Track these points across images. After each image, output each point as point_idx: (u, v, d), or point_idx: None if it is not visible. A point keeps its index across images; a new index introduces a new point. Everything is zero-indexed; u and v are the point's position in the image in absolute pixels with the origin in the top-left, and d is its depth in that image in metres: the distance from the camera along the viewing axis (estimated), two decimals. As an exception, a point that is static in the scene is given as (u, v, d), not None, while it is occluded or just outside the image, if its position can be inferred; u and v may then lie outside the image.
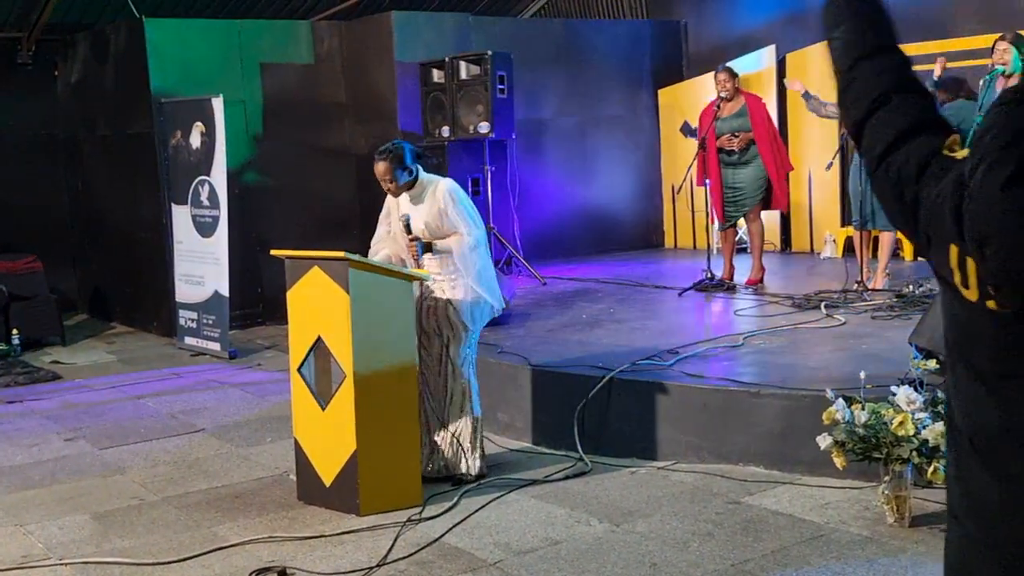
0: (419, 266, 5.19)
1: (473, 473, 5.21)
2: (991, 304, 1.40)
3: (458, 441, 5.22)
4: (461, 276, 5.15)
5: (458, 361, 5.21)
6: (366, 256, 5.27)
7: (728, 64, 8.96)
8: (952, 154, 1.50)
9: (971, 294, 1.42)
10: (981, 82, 7.32)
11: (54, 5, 9.95)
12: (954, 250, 1.41)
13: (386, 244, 5.36)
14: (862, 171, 7.61)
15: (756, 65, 10.37)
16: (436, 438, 5.26)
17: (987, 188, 1.33)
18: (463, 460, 5.22)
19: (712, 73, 8.92)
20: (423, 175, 5.23)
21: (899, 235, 8.44)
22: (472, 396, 5.26)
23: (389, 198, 5.35)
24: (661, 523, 4.60)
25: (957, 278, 1.43)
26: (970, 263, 1.39)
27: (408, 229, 5.13)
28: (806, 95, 8.28)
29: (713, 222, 8.98)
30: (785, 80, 9.23)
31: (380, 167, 5.15)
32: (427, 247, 5.14)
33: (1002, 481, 1.45)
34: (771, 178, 8.28)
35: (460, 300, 5.17)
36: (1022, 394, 1.42)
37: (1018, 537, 1.44)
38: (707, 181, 8.47)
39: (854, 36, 1.66)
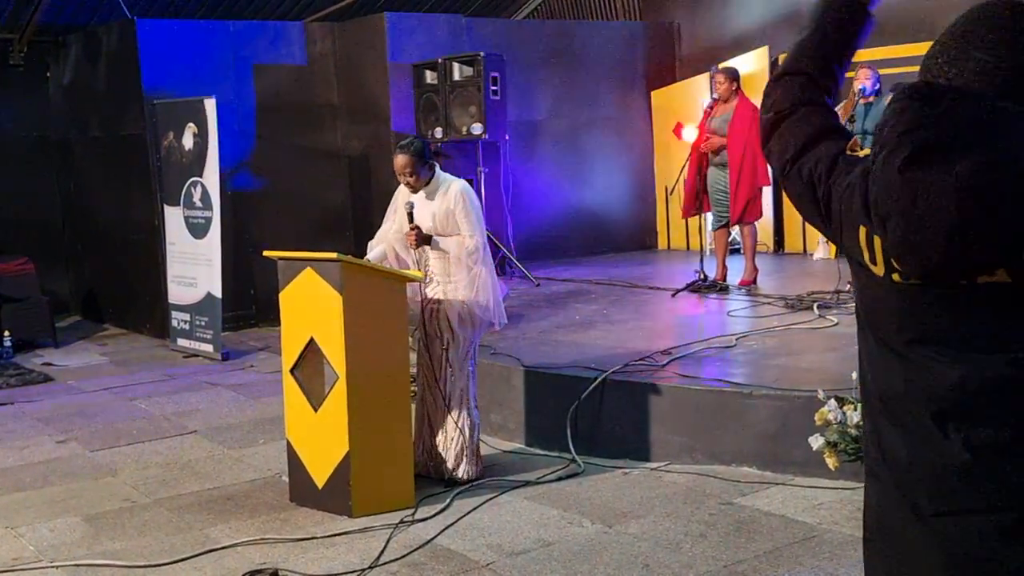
0: (416, 258, 5.19)
1: (468, 477, 5.20)
2: (896, 277, 1.58)
3: (454, 444, 5.20)
4: (466, 283, 5.14)
5: (457, 364, 5.20)
6: (364, 252, 5.27)
7: (728, 65, 8.94)
8: (855, 153, 1.71)
9: (878, 269, 1.61)
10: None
11: (46, 6, 9.92)
12: (863, 230, 1.61)
13: (384, 241, 5.34)
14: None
15: (748, 67, 10.37)
16: (433, 440, 5.25)
17: (887, 172, 1.52)
18: (459, 464, 5.20)
19: (706, 74, 8.92)
20: (439, 172, 5.23)
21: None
22: (470, 400, 5.25)
23: (397, 193, 5.32)
24: (654, 524, 4.60)
25: (866, 256, 1.62)
26: (877, 241, 1.58)
27: (411, 217, 5.12)
28: None
29: (686, 218, 8.94)
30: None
31: (401, 160, 5.12)
32: (427, 239, 5.14)
33: (907, 435, 1.64)
34: (730, 188, 8.24)
35: (461, 304, 5.15)
36: (922, 359, 1.60)
37: (922, 483, 1.62)
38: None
39: (795, 52, 1.86)
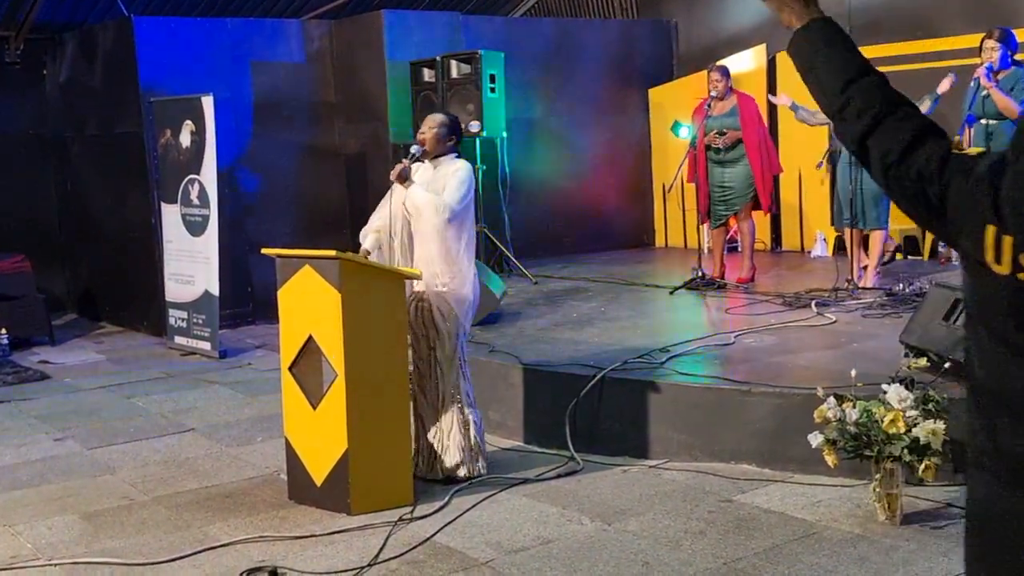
0: (399, 254, 5.20)
1: (468, 476, 5.17)
2: (1022, 276, 1.61)
3: (451, 444, 5.18)
4: (448, 277, 5.11)
5: (445, 363, 5.18)
6: (359, 239, 5.27)
7: (721, 63, 8.97)
8: (963, 152, 1.73)
9: (1003, 268, 1.62)
10: (972, 82, 7.34)
11: (42, 3, 9.90)
12: (991, 230, 1.62)
13: (374, 230, 5.31)
14: (851, 170, 7.63)
15: (746, 64, 10.38)
16: (430, 440, 5.23)
17: None
18: (458, 463, 5.18)
19: (703, 72, 8.92)
20: (454, 156, 5.25)
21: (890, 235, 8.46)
22: (463, 398, 5.23)
23: (392, 189, 5.28)
24: (653, 521, 4.60)
25: (990, 255, 1.63)
26: (1005, 240, 1.60)
27: (410, 155, 5.14)
28: (793, 107, 8.20)
29: (706, 220, 8.98)
30: (770, 96, 9.14)
31: (437, 116, 5.28)
32: (407, 177, 5.10)
33: None
34: (755, 178, 8.29)
35: (444, 302, 5.13)
36: None
37: None
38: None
39: (838, 62, 1.87)
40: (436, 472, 5.20)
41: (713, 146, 8.35)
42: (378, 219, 5.31)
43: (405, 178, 5.10)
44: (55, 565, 4.42)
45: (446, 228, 5.06)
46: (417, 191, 5.08)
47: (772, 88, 10.00)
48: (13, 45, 10.49)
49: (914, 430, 4.27)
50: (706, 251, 8.98)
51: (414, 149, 5.16)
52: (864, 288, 7.62)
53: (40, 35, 10.52)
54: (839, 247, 9.26)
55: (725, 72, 8.45)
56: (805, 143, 9.87)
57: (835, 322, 6.73)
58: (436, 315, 5.13)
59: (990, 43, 7.20)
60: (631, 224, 11.57)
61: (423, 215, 5.08)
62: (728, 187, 8.38)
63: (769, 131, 9.03)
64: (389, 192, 5.35)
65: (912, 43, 9.20)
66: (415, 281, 5.15)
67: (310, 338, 4.93)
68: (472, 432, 5.22)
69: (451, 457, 5.18)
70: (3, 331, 8.97)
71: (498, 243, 9.68)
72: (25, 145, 10.79)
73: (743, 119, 8.26)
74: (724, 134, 8.28)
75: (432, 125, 5.21)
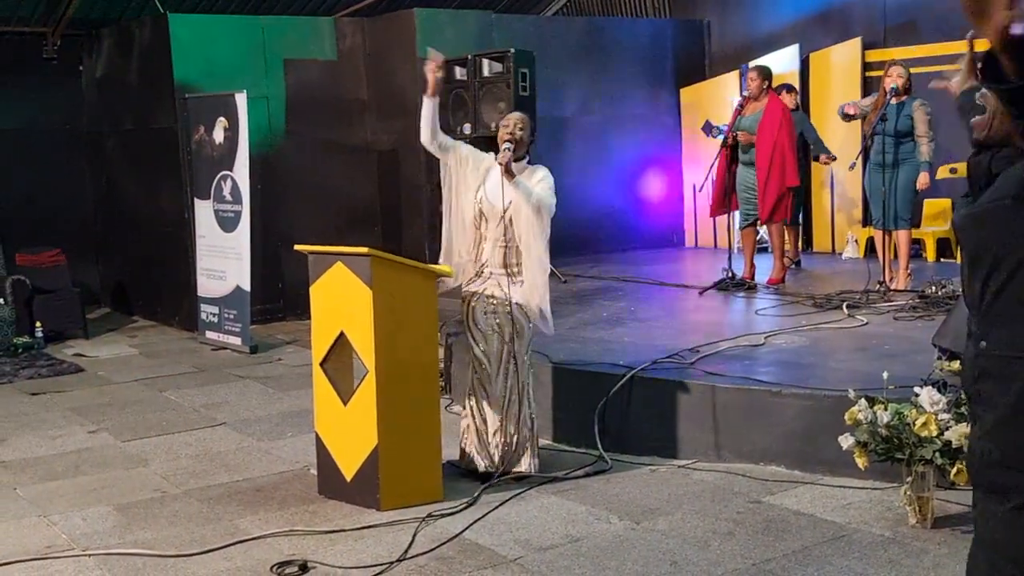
0: (471, 255, 5.21)
1: (533, 471, 5.19)
2: None
3: (518, 440, 5.17)
4: (524, 270, 5.12)
5: (521, 358, 5.16)
6: (391, 247, 5.27)
7: (760, 63, 8.91)
8: None
9: None
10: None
11: (79, 0, 10.02)
12: None
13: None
14: (884, 172, 7.58)
15: (779, 65, 10.33)
16: (496, 438, 5.19)
17: None
18: (523, 459, 5.19)
19: (736, 72, 8.87)
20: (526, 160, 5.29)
21: (916, 235, 8.38)
22: (529, 395, 5.23)
23: (458, 176, 5.26)
24: (682, 521, 4.60)
25: None
26: None
27: (506, 149, 5.07)
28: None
29: (713, 217, 8.92)
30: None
31: (518, 115, 5.27)
32: (510, 171, 5.02)
33: None
34: (757, 186, 8.23)
35: (525, 296, 5.13)
36: None
37: None
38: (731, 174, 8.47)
39: None
40: (503, 467, 5.14)
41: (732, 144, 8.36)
42: (455, 227, 5.27)
43: (509, 169, 5.06)
44: (89, 556, 4.47)
45: (536, 228, 5.08)
46: (526, 185, 5.06)
47: (805, 88, 9.96)
48: (50, 41, 10.63)
49: (946, 433, 4.24)
50: (736, 252, 8.95)
51: (506, 146, 5.10)
52: (896, 290, 7.58)
53: (77, 31, 10.65)
54: (870, 249, 9.21)
55: (762, 73, 8.38)
56: (838, 142, 9.82)
57: (866, 324, 6.70)
58: (515, 311, 5.13)
59: None
60: (661, 224, 11.55)
61: (520, 212, 5.07)
62: (755, 190, 8.35)
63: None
64: (451, 177, 5.29)
65: (948, 44, 9.13)
66: (492, 279, 5.15)
67: (341, 334, 4.96)
68: (535, 428, 5.24)
69: (520, 452, 5.18)
70: (38, 324, 9.09)
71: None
72: (61, 140, 10.93)
73: (760, 125, 8.19)
74: (738, 133, 8.28)
75: (521, 125, 5.16)
